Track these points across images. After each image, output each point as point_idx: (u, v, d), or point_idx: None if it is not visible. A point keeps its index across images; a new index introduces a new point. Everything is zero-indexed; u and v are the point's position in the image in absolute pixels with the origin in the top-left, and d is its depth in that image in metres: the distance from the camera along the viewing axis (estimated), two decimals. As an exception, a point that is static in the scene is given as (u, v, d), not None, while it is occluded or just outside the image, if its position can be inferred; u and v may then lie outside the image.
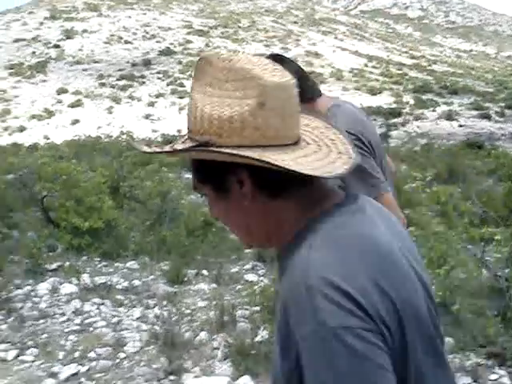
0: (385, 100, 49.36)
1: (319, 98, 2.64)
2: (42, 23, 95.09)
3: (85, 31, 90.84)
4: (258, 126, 1.06)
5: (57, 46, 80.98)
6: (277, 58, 2.32)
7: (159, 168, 13.81)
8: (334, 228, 1.05)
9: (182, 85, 63.08)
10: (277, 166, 1.02)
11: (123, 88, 63.21)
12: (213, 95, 1.08)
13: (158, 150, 1.15)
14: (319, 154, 1.13)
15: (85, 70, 68.94)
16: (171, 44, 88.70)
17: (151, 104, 58.72)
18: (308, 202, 1.12)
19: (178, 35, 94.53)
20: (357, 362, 0.92)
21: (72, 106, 52.27)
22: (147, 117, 55.30)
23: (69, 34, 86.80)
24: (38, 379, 4.59)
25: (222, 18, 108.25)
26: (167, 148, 1.13)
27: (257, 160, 1.02)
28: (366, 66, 79.59)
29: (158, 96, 61.46)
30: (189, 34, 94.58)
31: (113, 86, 63.67)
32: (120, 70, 70.80)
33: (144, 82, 66.63)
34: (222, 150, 1.05)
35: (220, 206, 1.17)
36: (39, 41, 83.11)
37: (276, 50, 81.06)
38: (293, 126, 1.11)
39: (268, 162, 1.02)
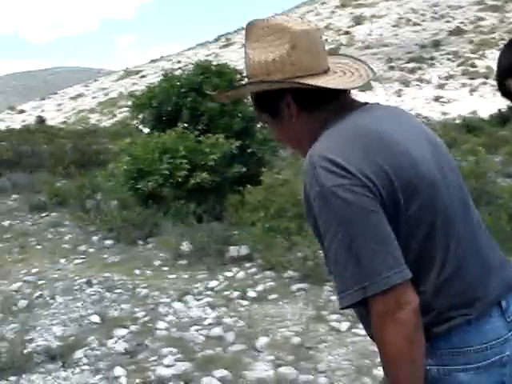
0: None
1: None
2: (333, 12, 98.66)
3: (373, 16, 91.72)
4: (294, 63, 1.43)
5: (347, 33, 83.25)
6: None
7: (474, 147, 13.03)
8: (336, 123, 1.41)
9: (473, 65, 60.01)
10: (308, 84, 1.41)
11: (412, 70, 62.39)
12: (260, 47, 1.46)
13: (227, 93, 1.72)
14: (343, 77, 1.49)
15: (374, 54, 69.67)
16: (461, 23, 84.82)
17: (441, 86, 56.88)
18: (334, 113, 1.45)
19: (468, 13, 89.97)
20: (349, 207, 1.28)
21: (362, 89, 53.18)
22: (437, 99, 53.75)
23: (358, 20, 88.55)
24: (371, 353, 4.47)
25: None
26: (231, 90, 1.71)
27: (295, 83, 1.42)
28: None
29: (447, 78, 59.28)
30: (480, 10, 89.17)
31: (402, 69, 63.24)
32: (408, 52, 69.97)
33: (433, 64, 64.88)
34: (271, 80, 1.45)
35: (277, 127, 1.56)
36: (331, 29, 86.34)
37: None
38: (320, 60, 1.47)
39: (302, 83, 1.41)
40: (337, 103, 1.48)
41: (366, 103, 1.55)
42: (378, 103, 1.61)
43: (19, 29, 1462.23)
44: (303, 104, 1.48)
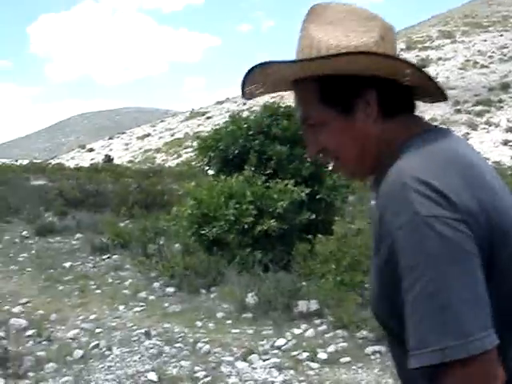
0: None
1: None
2: (399, 55, 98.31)
3: (439, 59, 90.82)
4: None
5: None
6: None
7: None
8: (423, 143, 1.16)
9: (545, 108, 57.99)
10: (426, 73, 1.21)
11: (479, 114, 61.00)
12: (335, 30, 1.22)
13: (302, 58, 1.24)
14: None
15: (440, 97, 68.48)
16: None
17: (510, 129, 55.26)
18: (408, 127, 1.22)
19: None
20: (445, 245, 1.02)
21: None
22: (506, 143, 52.18)
23: (424, 63, 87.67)
24: None
25: None
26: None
27: (413, 66, 1.18)
28: None
29: (518, 121, 57.55)
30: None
31: (469, 112, 61.95)
32: (476, 95, 68.61)
33: (502, 107, 63.26)
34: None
35: (340, 131, 1.23)
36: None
37: None
38: None
39: (422, 70, 1.19)
40: (413, 118, 1.27)
41: (436, 126, 1.30)
42: (448, 128, 1.33)
43: (91, 72, 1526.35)
44: (385, 105, 1.21)
